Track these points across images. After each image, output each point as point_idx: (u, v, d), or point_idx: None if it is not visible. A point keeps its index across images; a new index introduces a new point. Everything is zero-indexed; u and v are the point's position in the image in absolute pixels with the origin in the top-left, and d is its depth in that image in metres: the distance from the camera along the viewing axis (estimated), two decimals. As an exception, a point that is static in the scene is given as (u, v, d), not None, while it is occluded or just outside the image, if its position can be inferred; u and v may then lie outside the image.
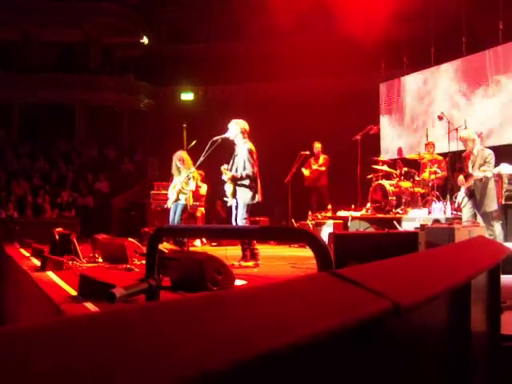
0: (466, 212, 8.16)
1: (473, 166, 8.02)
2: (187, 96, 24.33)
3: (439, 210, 9.85)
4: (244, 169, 7.21)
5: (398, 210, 10.59)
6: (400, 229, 8.76)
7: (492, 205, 8.00)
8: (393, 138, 16.31)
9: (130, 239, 7.23)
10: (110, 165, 21.68)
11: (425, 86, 15.45)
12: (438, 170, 10.66)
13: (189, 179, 8.99)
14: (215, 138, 7.52)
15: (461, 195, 8.26)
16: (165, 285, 4.38)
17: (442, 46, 15.35)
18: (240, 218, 7.21)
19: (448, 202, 9.99)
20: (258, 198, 7.31)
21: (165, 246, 6.37)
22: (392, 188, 10.83)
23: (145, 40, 25.01)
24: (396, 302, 1.07)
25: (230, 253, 7.25)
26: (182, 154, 9.38)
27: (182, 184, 9.07)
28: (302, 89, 21.41)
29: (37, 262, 6.73)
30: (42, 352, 0.59)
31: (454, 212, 9.80)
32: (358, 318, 0.97)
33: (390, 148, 16.01)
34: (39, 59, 24.47)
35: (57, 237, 7.28)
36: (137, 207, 15.99)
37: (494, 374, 2.47)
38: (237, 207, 7.32)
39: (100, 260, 7.07)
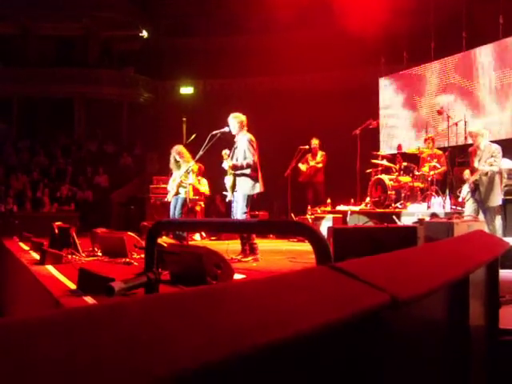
0: (469, 206, 8.16)
1: (479, 161, 8.03)
2: (186, 90, 24.30)
3: (438, 205, 9.85)
4: (244, 158, 7.20)
5: (398, 205, 10.59)
6: (399, 223, 8.77)
7: (496, 200, 8.01)
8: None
9: (129, 233, 7.24)
10: (110, 159, 21.67)
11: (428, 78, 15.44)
12: (438, 165, 10.65)
13: (188, 173, 8.99)
14: (215, 132, 7.51)
15: (465, 189, 8.26)
16: (164, 279, 4.39)
17: (442, 41, 15.32)
18: (240, 212, 7.19)
19: (447, 197, 9.99)
20: (259, 187, 7.28)
21: (164, 240, 6.38)
22: (391, 183, 10.83)
23: (144, 34, 24.95)
24: (394, 295, 1.08)
25: (229, 247, 7.26)
26: (179, 148, 9.38)
27: (182, 177, 9.07)
28: (302, 83, 21.39)
29: (36, 256, 6.74)
30: (39, 344, 0.59)
31: (454, 207, 9.80)
32: (356, 311, 0.97)
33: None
34: (38, 53, 24.42)
35: (56, 231, 7.28)
36: (136, 201, 15.99)
37: (493, 368, 2.48)
38: (237, 201, 7.31)
39: (99, 254, 7.07)
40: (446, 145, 11.05)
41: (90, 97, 23.78)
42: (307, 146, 12.13)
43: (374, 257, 1.48)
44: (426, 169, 10.72)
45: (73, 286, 4.46)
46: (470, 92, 13.90)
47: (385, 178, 10.94)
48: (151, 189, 13.17)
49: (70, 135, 23.39)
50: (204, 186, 11.74)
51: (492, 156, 7.93)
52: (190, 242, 9.41)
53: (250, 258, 6.99)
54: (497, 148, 8.04)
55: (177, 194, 9.22)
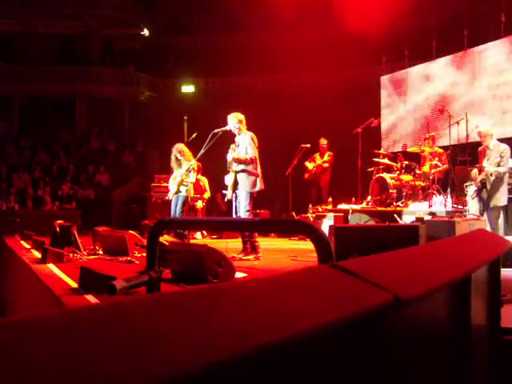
0: (473, 205, 8.16)
1: (487, 160, 8.04)
2: (188, 88, 24.31)
3: (440, 204, 9.84)
4: (246, 154, 7.21)
5: (399, 203, 10.58)
6: (400, 222, 8.76)
7: (502, 199, 8.01)
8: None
9: (130, 231, 7.23)
10: (111, 157, 21.69)
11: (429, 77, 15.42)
12: (439, 164, 10.64)
13: (189, 171, 8.99)
14: (216, 131, 7.51)
15: (472, 188, 8.26)
16: (165, 277, 4.38)
17: (443, 39, 15.30)
18: (243, 210, 7.17)
19: (449, 196, 9.98)
20: (260, 185, 7.28)
21: (165, 239, 6.37)
22: (393, 181, 10.82)
23: (145, 32, 24.95)
24: (396, 294, 1.07)
25: (230, 245, 7.26)
26: (181, 146, 9.38)
27: (183, 176, 9.07)
28: (303, 82, 21.40)
29: (37, 254, 6.74)
30: (40, 344, 0.59)
31: (455, 205, 9.79)
32: (358, 310, 0.97)
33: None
34: (40, 51, 24.44)
35: (57, 229, 7.28)
36: (137, 199, 16.00)
37: (494, 367, 2.47)
38: (236, 199, 7.31)
39: (100, 252, 7.07)
40: (448, 143, 11.03)
41: (91, 95, 23.79)
42: (308, 145, 12.13)
43: (376, 256, 1.48)
44: (427, 167, 10.71)
45: (74, 285, 4.46)
46: (472, 90, 13.88)
47: (386, 176, 10.93)
48: (152, 187, 13.18)
49: (72, 133, 23.41)
50: (204, 185, 11.75)
51: (500, 156, 7.93)
52: (191, 241, 9.41)
53: (251, 257, 6.98)
54: (506, 148, 8.04)
55: (177, 192, 9.22)
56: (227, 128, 7.45)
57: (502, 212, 8.29)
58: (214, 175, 11.34)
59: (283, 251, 8.35)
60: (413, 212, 9.43)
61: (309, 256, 6.63)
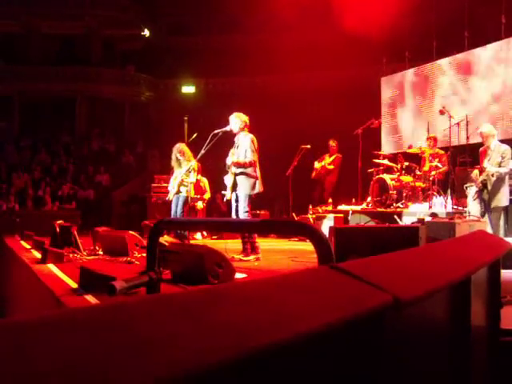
0: (474, 207, 8.15)
1: (488, 161, 8.03)
2: (188, 89, 24.33)
3: (440, 205, 9.84)
4: (245, 157, 7.20)
5: (399, 205, 10.58)
6: (401, 223, 8.76)
7: (503, 200, 8.00)
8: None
9: (130, 232, 7.22)
10: (111, 157, 21.70)
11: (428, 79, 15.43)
12: (439, 165, 10.63)
13: (189, 172, 8.99)
14: (216, 131, 7.50)
15: (473, 189, 8.24)
16: (165, 278, 4.38)
17: (444, 40, 15.31)
18: (242, 211, 7.18)
19: (449, 197, 9.98)
20: (259, 187, 7.28)
21: (165, 239, 6.38)
22: (393, 182, 10.81)
23: (146, 32, 24.97)
24: (396, 295, 1.07)
25: (230, 246, 7.25)
26: (181, 146, 9.37)
27: (183, 176, 9.06)
28: (303, 82, 21.39)
29: (37, 255, 6.74)
30: (40, 344, 0.59)
31: (455, 206, 9.79)
32: (358, 311, 0.97)
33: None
34: (40, 52, 24.46)
35: (57, 229, 7.29)
36: (137, 200, 16.01)
37: (494, 369, 2.47)
38: (237, 200, 7.31)
39: (100, 253, 7.07)
40: (448, 144, 11.03)
41: (91, 95, 23.82)
42: (309, 146, 12.13)
43: (376, 257, 1.48)
44: (427, 168, 10.71)
45: (74, 285, 4.46)
46: (472, 91, 13.88)
47: (386, 177, 10.93)
48: (152, 187, 13.18)
49: (72, 133, 23.42)
50: (205, 186, 11.74)
51: (502, 156, 7.92)
52: (192, 241, 9.41)
53: (251, 258, 6.98)
54: (507, 149, 8.03)
55: (178, 192, 9.21)
56: (227, 128, 7.44)
57: (502, 213, 8.28)
58: (214, 176, 11.33)
59: (283, 252, 8.35)
60: (413, 213, 9.44)
61: (309, 257, 6.63)
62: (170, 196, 9.37)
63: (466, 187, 8.62)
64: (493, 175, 7.88)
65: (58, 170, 20.39)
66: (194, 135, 9.98)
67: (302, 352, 0.89)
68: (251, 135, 7.33)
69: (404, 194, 10.71)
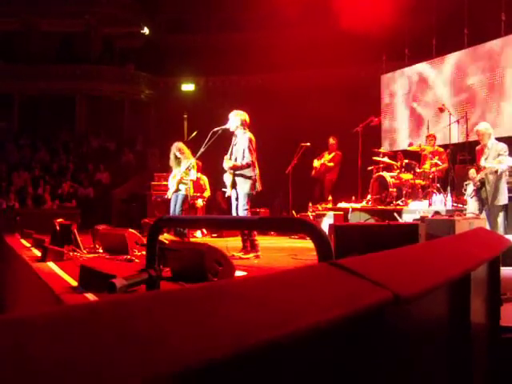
0: (473, 204, 8.14)
1: (486, 159, 8.02)
2: (188, 87, 24.31)
3: (440, 202, 9.84)
4: (243, 158, 7.20)
5: (399, 202, 10.58)
6: (400, 220, 8.76)
7: (502, 198, 7.99)
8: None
9: (130, 230, 7.22)
10: (111, 155, 21.69)
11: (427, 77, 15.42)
12: (439, 162, 10.63)
13: (189, 169, 8.98)
14: (216, 129, 7.50)
15: (470, 188, 8.24)
16: (165, 275, 4.39)
17: (443, 38, 15.30)
18: (241, 209, 7.20)
19: (449, 194, 9.98)
20: (257, 187, 7.31)
21: (165, 237, 6.38)
22: (393, 180, 10.81)
23: (145, 30, 24.95)
24: (396, 292, 1.07)
25: (230, 244, 7.26)
26: (180, 144, 9.37)
27: (182, 174, 9.06)
28: (303, 80, 21.37)
29: (37, 253, 6.74)
30: (40, 341, 0.59)
31: (455, 204, 9.79)
32: (358, 308, 0.97)
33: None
34: (40, 50, 24.43)
35: (57, 227, 7.29)
36: (137, 198, 16.00)
37: (494, 366, 2.48)
38: (237, 198, 7.31)
39: (100, 251, 7.07)
40: (448, 142, 11.03)
41: (91, 93, 23.80)
42: (308, 143, 12.12)
43: (376, 254, 1.48)
44: (427, 166, 10.71)
45: (74, 283, 4.46)
46: (473, 89, 13.88)
47: (386, 175, 10.93)
48: (152, 185, 13.17)
49: (72, 132, 23.41)
50: (205, 184, 11.73)
51: (499, 154, 7.91)
52: (191, 239, 9.41)
53: (251, 255, 6.99)
54: (504, 146, 8.03)
55: (177, 190, 9.21)
56: (227, 126, 7.44)
57: (502, 211, 8.28)
58: (214, 173, 11.33)
59: (283, 249, 8.36)
60: (413, 211, 9.44)
61: (308, 254, 6.64)
62: (170, 194, 9.37)
63: (466, 184, 8.62)
64: (496, 171, 7.86)
65: (57, 168, 20.39)
66: (194, 133, 9.99)
67: (301, 349, 0.89)
68: (249, 134, 7.31)
69: (404, 192, 10.71)
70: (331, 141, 12.97)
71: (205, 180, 11.75)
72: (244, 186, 7.22)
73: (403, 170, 11.07)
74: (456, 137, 11.07)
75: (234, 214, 7.40)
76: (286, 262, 6.74)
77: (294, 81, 21.47)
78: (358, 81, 19.26)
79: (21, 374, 0.52)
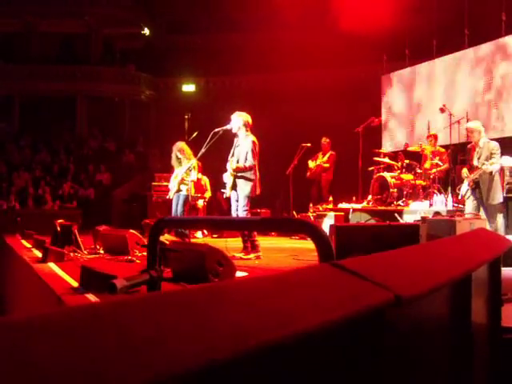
0: (470, 204, 8.15)
1: (478, 159, 8.01)
2: (188, 87, 24.31)
3: (441, 203, 9.84)
4: (245, 160, 7.20)
5: (400, 203, 10.57)
6: (401, 221, 8.76)
7: (497, 197, 7.99)
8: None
9: (131, 231, 7.22)
10: (111, 156, 21.70)
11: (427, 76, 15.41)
12: (440, 163, 10.63)
13: (190, 170, 8.98)
14: (217, 130, 7.50)
15: (464, 187, 8.24)
16: (166, 276, 4.38)
17: (444, 38, 15.29)
18: (241, 210, 7.21)
19: (449, 195, 9.97)
20: (257, 190, 7.33)
21: (166, 238, 6.37)
22: (393, 180, 10.81)
23: (146, 31, 24.95)
24: (397, 293, 1.07)
25: (231, 244, 7.26)
26: (181, 144, 9.37)
27: (183, 175, 9.06)
28: (304, 80, 21.37)
29: (38, 254, 6.74)
30: (41, 342, 0.59)
31: (456, 204, 9.78)
32: (359, 309, 0.97)
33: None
34: (40, 50, 24.43)
35: (58, 228, 7.29)
36: (138, 199, 16.00)
37: (495, 366, 2.47)
38: (237, 199, 7.32)
39: (101, 251, 7.07)
40: (448, 142, 11.02)
41: (91, 94, 23.79)
42: (309, 144, 12.12)
43: (377, 254, 1.48)
44: (428, 166, 10.70)
45: (75, 284, 4.46)
46: (473, 89, 13.87)
47: (387, 175, 10.93)
48: (153, 186, 13.17)
49: (72, 132, 23.41)
50: (206, 184, 11.74)
51: (491, 153, 7.91)
52: (192, 240, 9.41)
53: (251, 256, 6.99)
54: (496, 145, 8.03)
55: (178, 191, 9.20)
56: (228, 127, 7.44)
57: (501, 210, 8.28)
58: (215, 174, 11.32)
59: (284, 250, 8.36)
60: (413, 211, 9.43)
61: (309, 255, 6.63)
62: (171, 195, 9.36)
63: (458, 188, 8.64)
64: (491, 173, 7.86)
65: (58, 168, 20.39)
66: (195, 133, 9.98)
67: (302, 350, 0.89)
68: (253, 137, 7.30)
69: (404, 192, 10.71)
70: (324, 141, 12.96)
71: (206, 180, 11.76)
72: (244, 188, 7.23)
73: (404, 170, 11.07)
74: (457, 137, 11.06)
75: (234, 214, 7.40)
76: (287, 262, 6.74)
77: (294, 81, 21.46)
78: (359, 81, 19.25)
79: (22, 376, 0.52)
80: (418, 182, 10.75)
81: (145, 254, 5.68)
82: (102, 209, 17.32)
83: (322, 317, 0.87)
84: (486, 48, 13.60)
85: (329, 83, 20.44)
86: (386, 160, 11.50)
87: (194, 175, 9.20)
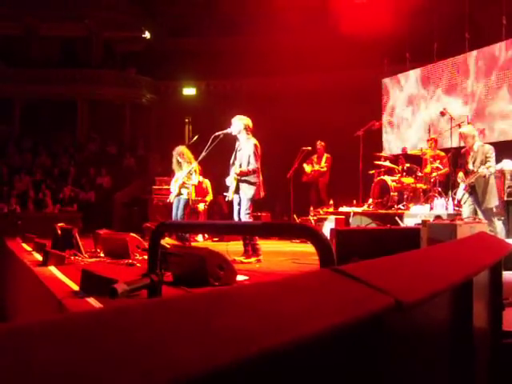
0: (466, 208, 8.15)
1: (473, 163, 8.01)
2: (189, 91, 24.33)
3: (441, 206, 9.83)
4: (248, 163, 7.19)
5: (400, 206, 10.57)
6: (402, 225, 8.75)
7: (493, 200, 8.00)
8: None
9: (131, 234, 7.22)
10: (112, 160, 21.69)
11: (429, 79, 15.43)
12: (440, 166, 10.63)
13: (191, 174, 8.98)
14: (217, 133, 7.50)
15: (460, 191, 8.24)
16: (167, 280, 4.38)
17: (444, 42, 15.31)
18: (243, 213, 7.20)
19: (450, 198, 9.97)
20: (260, 193, 7.33)
21: (167, 241, 6.38)
22: (394, 184, 10.81)
23: (147, 35, 24.98)
24: (398, 298, 1.07)
25: (231, 248, 7.25)
26: (181, 148, 9.37)
27: (184, 178, 9.06)
28: (305, 84, 21.38)
29: (39, 257, 6.73)
30: (42, 348, 0.59)
31: (456, 208, 9.78)
32: (360, 314, 0.97)
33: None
34: (41, 54, 24.46)
35: (59, 231, 7.29)
36: (139, 202, 16.00)
37: (496, 371, 2.47)
38: (239, 203, 7.31)
39: (102, 255, 7.07)
40: (449, 146, 11.03)
41: (92, 97, 23.80)
42: (310, 148, 12.13)
43: (378, 259, 1.48)
44: (428, 170, 10.70)
45: (75, 288, 4.46)
46: (474, 93, 13.88)
47: (387, 179, 10.92)
48: (154, 190, 13.17)
49: (73, 136, 23.42)
50: (207, 188, 11.74)
51: (486, 157, 7.92)
52: (193, 243, 9.40)
53: (252, 260, 6.98)
54: (490, 148, 8.04)
55: (179, 194, 9.20)
56: (229, 131, 7.43)
57: (498, 214, 8.28)
58: (216, 178, 11.33)
59: (284, 254, 8.35)
60: (414, 215, 9.42)
61: (310, 259, 6.62)
62: (172, 198, 9.36)
63: (454, 192, 8.64)
64: (485, 176, 7.87)
65: (58, 172, 20.40)
66: (195, 137, 9.98)
67: (303, 355, 0.89)
68: (254, 141, 7.29)
69: (405, 196, 10.71)
70: (319, 145, 12.95)
71: (207, 184, 11.75)
72: (248, 192, 7.22)
73: (404, 174, 11.07)
74: (457, 141, 11.06)
75: (235, 218, 7.40)
76: (288, 266, 6.74)
77: (295, 85, 21.48)
78: (360, 85, 19.26)
79: (24, 382, 0.52)
80: (418, 185, 10.75)
81: (145, 257, 5.68)
82: (103, 212, 17.32)
83: (324, 322, 0.87)
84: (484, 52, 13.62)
85: (329, 86, 20.45)
86: (387, 163, 11.50)
87: (195, 179, 9.21)
